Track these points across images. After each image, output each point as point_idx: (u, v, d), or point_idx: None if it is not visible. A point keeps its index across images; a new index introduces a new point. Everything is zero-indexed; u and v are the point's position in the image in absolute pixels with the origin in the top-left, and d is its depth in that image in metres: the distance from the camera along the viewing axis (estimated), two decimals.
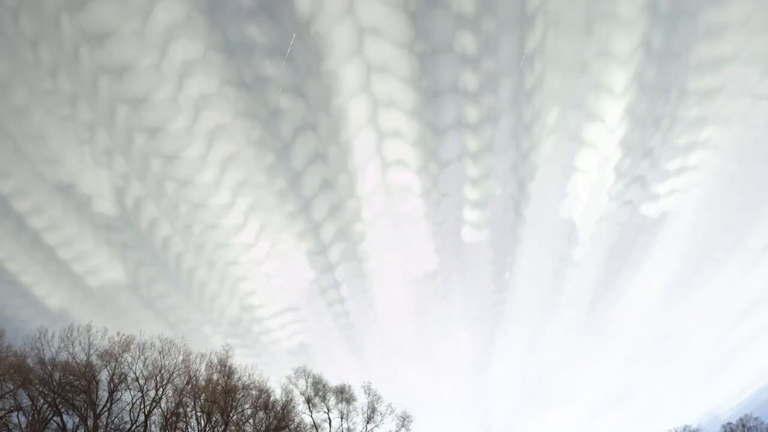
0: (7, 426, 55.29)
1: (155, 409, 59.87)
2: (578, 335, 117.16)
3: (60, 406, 56.10)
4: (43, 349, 55.32)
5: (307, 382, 72.90)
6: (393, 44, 75.14)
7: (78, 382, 55.89)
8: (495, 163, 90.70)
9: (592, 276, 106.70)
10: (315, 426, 72.42)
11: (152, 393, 59.49)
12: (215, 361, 64.28)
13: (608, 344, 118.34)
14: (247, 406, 65.62)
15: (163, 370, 59.78)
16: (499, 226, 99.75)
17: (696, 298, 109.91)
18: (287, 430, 67.74)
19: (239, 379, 65.07)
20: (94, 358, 57.07)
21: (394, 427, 74.05)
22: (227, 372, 64.27)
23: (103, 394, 57.25)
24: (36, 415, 55.91)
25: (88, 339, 57.08)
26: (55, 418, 56.88)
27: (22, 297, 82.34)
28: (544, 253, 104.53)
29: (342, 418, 73.55)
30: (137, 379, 58.68)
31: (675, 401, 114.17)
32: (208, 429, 61.78)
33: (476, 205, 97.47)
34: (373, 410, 74.08)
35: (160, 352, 60.12)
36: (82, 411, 56.06)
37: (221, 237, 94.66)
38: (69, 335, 56.58)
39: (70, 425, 57.09)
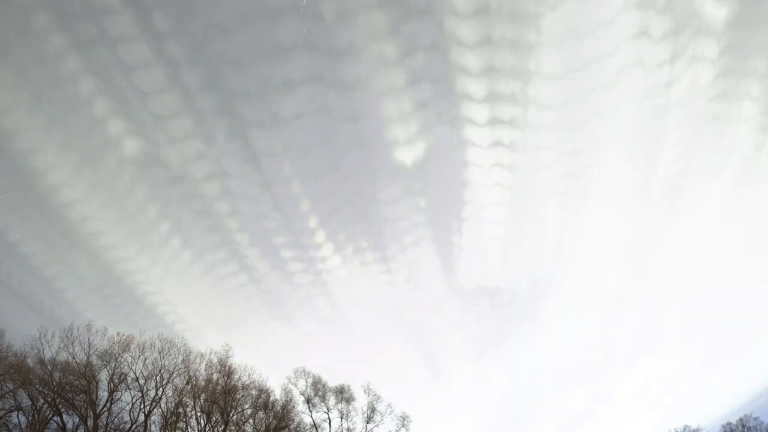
0: (7, 426, 55.36)
1: (155, 409, 59.99)
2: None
3: (60, 406, 56.15)
4: (43, 349, 55.48)
5: (306, 382, 73.05)
6: None
7: (78, 382, 55.93)
8: None
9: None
10: (315, 426, 72.51)
11: (152, 393, 59.62)
12: (215, 360, 64.47)
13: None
14: (246, 406, 65.71)
15: (163, 370, 59.88)
16: None
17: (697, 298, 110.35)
18: (287, 430, 67.79)
19: (239, 379, 65.19)
20: (94, 358, 57.22)
21: (393, 427, 74.20)
22: (227, 372, 64.35)
23: (103, 394, 57.45)
24: (36, 415, 55.98)
25: (88, 339, 57.28)
26: (55, 418, 57.03)
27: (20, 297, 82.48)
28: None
29: (342, 418, 73.67)
30: (137, 379, 58.78)
31: (676, 401, 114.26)
32: (208, 429, 61.83)
33: None
34: (373, 410, 74.19)
35: (159, 352, 60.26)
36: (82, 411, 56.09)
37: None
38: (69, 335, 56.78)
39: (70, 425, 57.25)
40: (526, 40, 77.80)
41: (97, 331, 58.04)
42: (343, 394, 74.17)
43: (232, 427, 63.23)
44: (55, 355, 55.74)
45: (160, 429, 60.01)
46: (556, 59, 79.22)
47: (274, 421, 66.33)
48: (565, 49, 78.16)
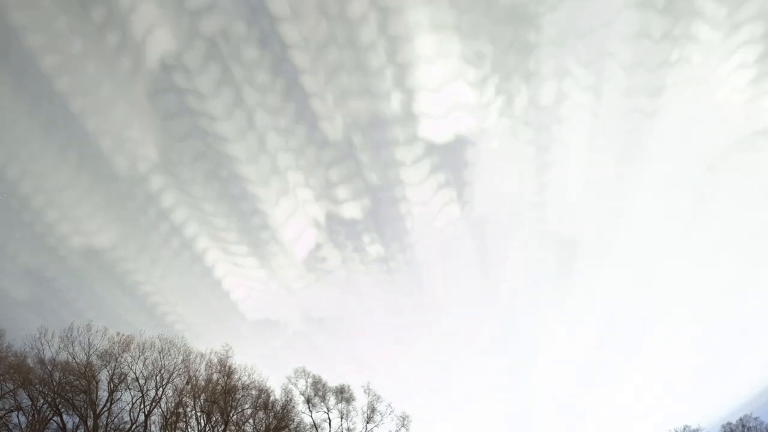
0: (7, 426, 55.34)
1: (155, 409, 59.94)
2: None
3: (60, 406, 56.09)
4: (43, 349, 55.38)
5: (306, 382, 72.98)
6: None
7: (78, 382, 55.87)
8: None
9: None
10: (315, 426, 72.45)
11: (152, 393, 59.56)
12: (215, 360, 64.39)
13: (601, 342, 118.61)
14: (246, 405, 65.65)
15: (163, 370, 59.81)
16: None
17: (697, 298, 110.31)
18: (287, 430, 67.74)
19: (239, 378, 65.10)
20: (94, 358, 57.12)
21: (393, 427, 74.12)
22: (227, 372, 64.28)
23: (103, 394, 57.35)
24: (36, 415, 55.94)
25: (88, 339, 57.16)
26: (55, 418, 56.97)
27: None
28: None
29: (342, 418, 73.61)
30: (137, 379, 58.71)
31: (675, 401, 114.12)
32: (208, 429, 61.80)
33: None
34: (373, 410, 74.09)
35: (159, 352, 60.18)
36: (82, 411, 56.05)
37: None
38: (69, 335, 56.67)
39: (70, 425, 57.20)
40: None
41: (97, 331, 58.01)
42: (343, 394, 74.11)
43: (232, 427, 63.19)
44: (55, 355, 55.76)
45: (160, 429, 59.98)
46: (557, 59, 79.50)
47: (274, 421, 66.28)
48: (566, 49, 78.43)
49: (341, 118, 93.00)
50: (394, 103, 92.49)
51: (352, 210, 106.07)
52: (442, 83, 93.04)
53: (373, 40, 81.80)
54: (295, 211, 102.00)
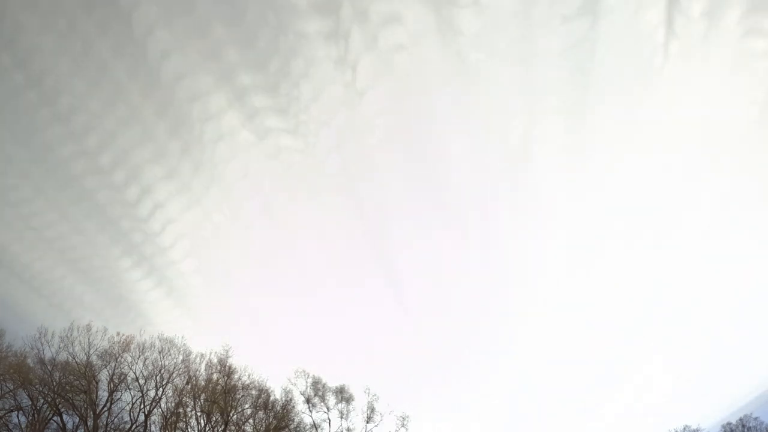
0: (7, 426, 55.37)
1: (155, 409, 59.97)
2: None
3: (60, 406, 56.14)
4: (43, 349, 55.50)
5: (306, 382, 73.06)
6: None
7: (78, 382, 55.93)
8: None
9: None
10: (315, 426, 72.49)
11: (152, 393, 59.59)
12: (215, 360, 64.43)
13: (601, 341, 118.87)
14: (246, 405, 65.68)
15: (162, 370, 59.84)
16: None
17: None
18: (287, 429, 67.79)
19: (239, 378, 65.13)
20: (94, 358, 57.22)
21: (393, 427, 74.17)
22: (227, 372, 64.32)
23: (103, 394, 57.40)
24: (36, 415, 55.98)
25: (88, 339, 57.22)
26: (55, 418, 57.00)
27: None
28: None
29: (341, 418, 73.66)
30: (137, 379, 58.75)
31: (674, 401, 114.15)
32: (208, 429, 61.83)
33: None
34: (373, 410, 74.15)
35: (159, 352, 60.23)
36: (82, 411, 56.09)
37: None
38: (69, 335, 56.76)
39: (70, 425, 57.23)
40: None
41: (97, 331, 58.08)
42: (342, 394, 74.16)
43: (232, 427, 63.21)
44: (55, 355, 55.85)
45: (160, 429, 60.00)
46: None
47: (274, 421, 66.31)
48: None
49: None
50: None
51: None
52: None
53: None
54: None
